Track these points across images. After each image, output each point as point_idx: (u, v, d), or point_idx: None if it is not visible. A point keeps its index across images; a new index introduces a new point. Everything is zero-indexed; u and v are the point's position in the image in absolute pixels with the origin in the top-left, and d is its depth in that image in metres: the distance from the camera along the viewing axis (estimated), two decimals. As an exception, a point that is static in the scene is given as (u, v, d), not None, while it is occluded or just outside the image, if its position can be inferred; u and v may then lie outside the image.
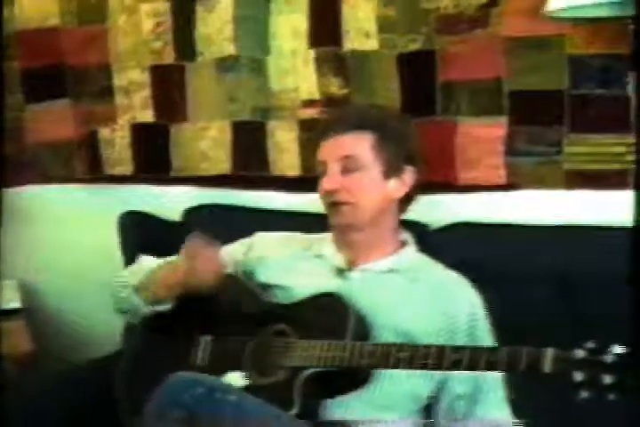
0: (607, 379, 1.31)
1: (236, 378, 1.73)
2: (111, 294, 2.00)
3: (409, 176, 1.89)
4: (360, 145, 1.86)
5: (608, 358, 1.33)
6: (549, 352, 1.42)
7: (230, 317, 1.88)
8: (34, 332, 2.64)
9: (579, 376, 1.34)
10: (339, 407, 1.74)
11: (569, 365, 1.37)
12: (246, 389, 1.68)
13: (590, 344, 1.37)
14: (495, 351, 1.51)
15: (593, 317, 1.96)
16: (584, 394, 1.32)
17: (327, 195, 1.87)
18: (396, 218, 1.94)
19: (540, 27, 2.12)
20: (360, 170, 1.85)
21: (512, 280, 2.03)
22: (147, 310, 1.90)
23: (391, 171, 1.87)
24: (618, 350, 1.33)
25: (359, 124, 1.87)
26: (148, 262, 2.01)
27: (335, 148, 1.87)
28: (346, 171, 1.85)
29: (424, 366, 1.57)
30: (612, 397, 1.30)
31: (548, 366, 1.40)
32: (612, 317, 1.88)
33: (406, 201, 1.93)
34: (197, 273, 1.82)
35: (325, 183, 1.86)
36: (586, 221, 2.10)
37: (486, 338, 1.82)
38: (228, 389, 1.62)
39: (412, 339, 1.76)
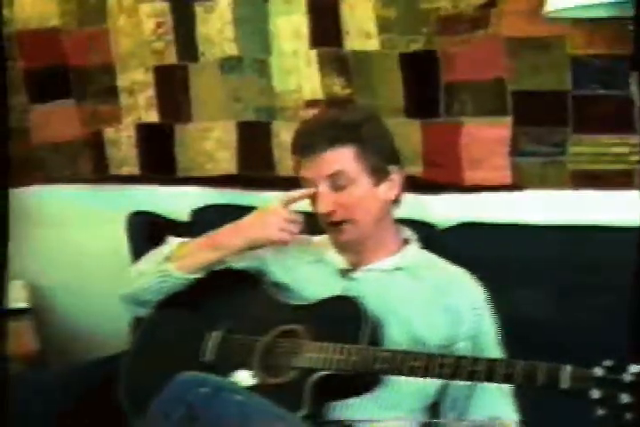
0: (625, 398, 1.32)
1: (244, 376, 1.74)
2: (132, 275, 2.00)
3: (396, 176, 1.88)
4: (343, 159, 1.82)
5: (626, 378, 1.34)
6: (567, 369, 1.42)
7: (243, 314, 1.88)
8: (41, 331, 2.65)
9: (596, 394, 1.35)
10: (345, 406, 1.75)
11: (587, 382, 1.38)
12: (255, 388, 1.68)
13: (608, 362, 1.37)
14: (513, 365, 1.50)
15: (597, 317, 1.98)
16: (601, 412, 1.33)
17: (325, 216, 1.85)
18: (391, 217, 1.93)
19: (540, 27, 2.11)
20: (350, 184, 1.82)
21: (517, 280, 2.05)
22: (176, 278, 1.89)
23: (379, 176, 1.85)
24: (636, 369, 1.34)
25: (336, 138, 1.82)
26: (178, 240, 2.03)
27: (319, 167, 1.83)
28: (337, 188, 1.82)
29: (439, 376, 1.57)
30: (628, 416, 1.31)
31: (565, 382, 1.41)
32: (616, 317, 1.91)
33: (396, 198, 1.92)
34: (281, 224, 1.84)
35: (320, 206, 1.83)
36: (591, 221, 2.11)
37: (491, 333, 1.83)
38: (235, 388, 1.62)
39: (418, 335, 1.78)
